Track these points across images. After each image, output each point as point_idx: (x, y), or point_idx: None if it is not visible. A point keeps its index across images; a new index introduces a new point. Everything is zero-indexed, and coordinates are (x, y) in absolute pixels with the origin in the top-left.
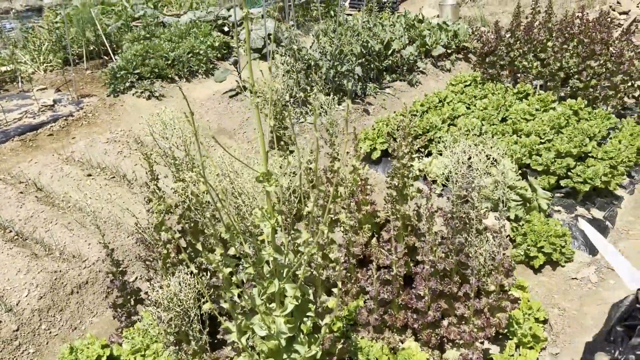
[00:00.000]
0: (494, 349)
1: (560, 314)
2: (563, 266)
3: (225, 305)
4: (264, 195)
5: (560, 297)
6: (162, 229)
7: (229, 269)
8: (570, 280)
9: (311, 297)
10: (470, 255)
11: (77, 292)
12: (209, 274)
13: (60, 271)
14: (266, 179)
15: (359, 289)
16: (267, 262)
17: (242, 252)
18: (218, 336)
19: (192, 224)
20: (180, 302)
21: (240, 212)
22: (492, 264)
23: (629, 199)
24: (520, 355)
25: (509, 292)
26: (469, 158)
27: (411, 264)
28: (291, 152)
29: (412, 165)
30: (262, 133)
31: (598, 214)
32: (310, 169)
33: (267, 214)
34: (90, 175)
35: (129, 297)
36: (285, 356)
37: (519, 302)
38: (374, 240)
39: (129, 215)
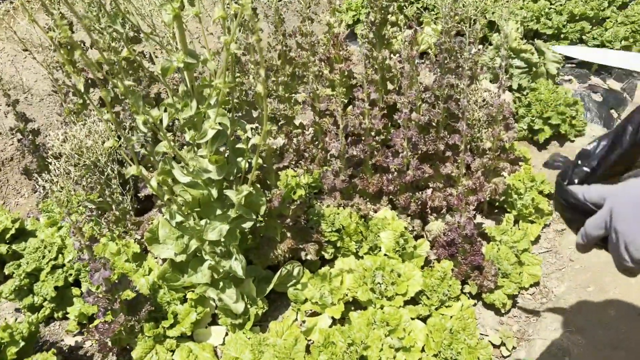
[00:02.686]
0: (488, 224)
1: None
2: (572, 141)
3: (141, 149)
4: None
5: None
6: (71, 60)
7: (129, 82)
8: None
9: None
10: (461, 101)
11: (1, 170)
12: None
13: None
14: None
15: (326, 157)
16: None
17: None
18: (140, 195)
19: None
20: (91, 153)
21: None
22: (488, 113)
23: None
24: (520, 229)
25: (509, 152)
26: None
27: (391, 129)
28: None
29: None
30: None
31: (615, 85)
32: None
33: None
34: (26, 50)
35: (45, 162)
36: (218, 211)
37: (520, 163)
38: (349, 108)
39: None
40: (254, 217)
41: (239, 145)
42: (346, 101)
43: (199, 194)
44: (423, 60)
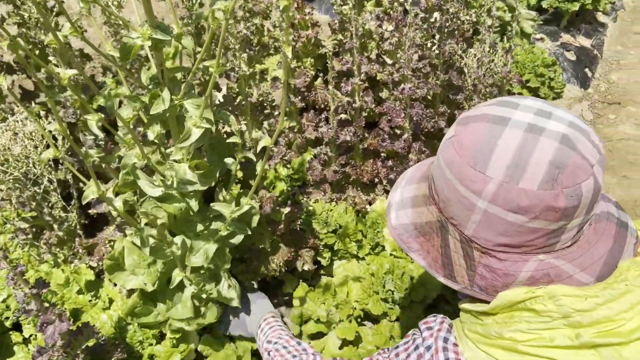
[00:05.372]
0: None
1: None
2: None
3: (93, 155)
4: None
5: None
6: None
7: (72, 72)
8: None
9: (235, 128)
10: (474, 70)
11: None
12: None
13: None
14: None
15: (305, 141)
16: (148, 67)
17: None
18: (91, 211)
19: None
20: (21, 163)
21: None
22: (493, 83)
23: (613, 26)
24: None
25: None
26: None
27: (373, 107)
28: None
29: None
30: None
31: (585, 41)
32: None
33: None
34: None
35: None
36: (200, 226)
37: None
38: (318, 81)
39: None
40: (248, 230)
41: (232, 139)
42: (313, 74)
43: (175, 209)
44: (405, 23)
